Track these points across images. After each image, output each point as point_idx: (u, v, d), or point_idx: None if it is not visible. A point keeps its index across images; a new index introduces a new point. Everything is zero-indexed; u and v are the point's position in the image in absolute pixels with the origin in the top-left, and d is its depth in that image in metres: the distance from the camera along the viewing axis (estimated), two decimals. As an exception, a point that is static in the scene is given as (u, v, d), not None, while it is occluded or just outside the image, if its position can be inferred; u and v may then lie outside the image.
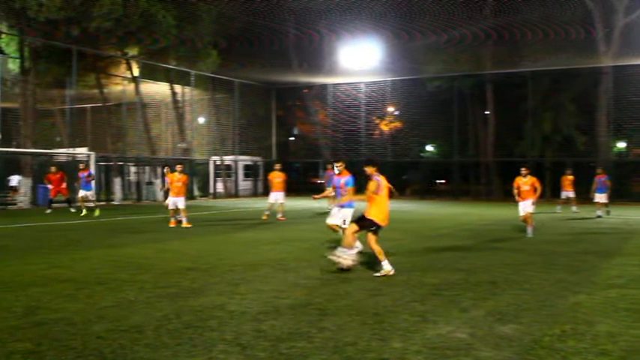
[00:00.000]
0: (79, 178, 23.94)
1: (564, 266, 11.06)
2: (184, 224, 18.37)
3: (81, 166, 24.60)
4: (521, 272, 10.29)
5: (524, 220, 16.63)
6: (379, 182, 10.08)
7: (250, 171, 43.26)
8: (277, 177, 21.57)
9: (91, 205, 23.19)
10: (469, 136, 42.67)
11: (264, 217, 21.11)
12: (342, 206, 12.52)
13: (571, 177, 26.72)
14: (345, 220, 12.44)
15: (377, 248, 10.05)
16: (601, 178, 23.82)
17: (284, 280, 9.45)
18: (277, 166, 22.25)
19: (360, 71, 40.60)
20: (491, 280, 9.48)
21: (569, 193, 26.65)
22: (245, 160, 42.42)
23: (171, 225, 18.46)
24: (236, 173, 41.68)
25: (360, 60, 40.65)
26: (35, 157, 31.03)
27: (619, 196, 34.00)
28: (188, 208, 19.66)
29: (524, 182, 16.47)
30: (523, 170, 16.69)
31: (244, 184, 42.34)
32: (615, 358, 5.68)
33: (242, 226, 19.65)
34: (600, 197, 23.65)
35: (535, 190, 16.46)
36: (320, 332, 6.40)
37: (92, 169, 28.28)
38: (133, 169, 37.46)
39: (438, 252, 13.16)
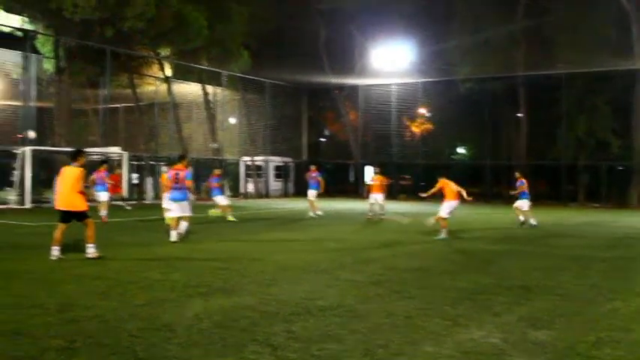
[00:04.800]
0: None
1: (598, 272, 10.89)
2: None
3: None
4: (555, 277, 10.15)
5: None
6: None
7: (281, 171, 43.37)
8: (376, 180, 22.26)
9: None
10: (501, 138, 42.23)
11: (368, 218, 21.93)
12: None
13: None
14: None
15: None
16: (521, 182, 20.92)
17: (315, 281, 9.44)
18: (377, 170, 23.24)
19: (391, 72, 40.48)
20: (523, 285, 9.35)
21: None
22: (276, 160, 42.53)
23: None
24: (267, 174, 41.82)
25: (391, 61, 40.53)
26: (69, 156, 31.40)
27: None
28: (215, 207, 19.96)
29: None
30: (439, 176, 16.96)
31: (275, 185, 42.48)
32: (653, 366, 5.57)
33: (273, 227, 19.75)
34: (522, 204, 20.88)
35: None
36: (351, 334, 6.37)
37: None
38: (164, 168, 37.71)
39: (468, 255, 13.06)
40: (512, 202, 21.36)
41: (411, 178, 42.70)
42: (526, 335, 6.46)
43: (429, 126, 44.56)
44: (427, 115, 44.52)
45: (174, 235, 14.07)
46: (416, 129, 44.65)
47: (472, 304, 8.00)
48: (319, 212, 23.29)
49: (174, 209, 14.42)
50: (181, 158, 15.38)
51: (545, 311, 7.60)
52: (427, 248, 14.19)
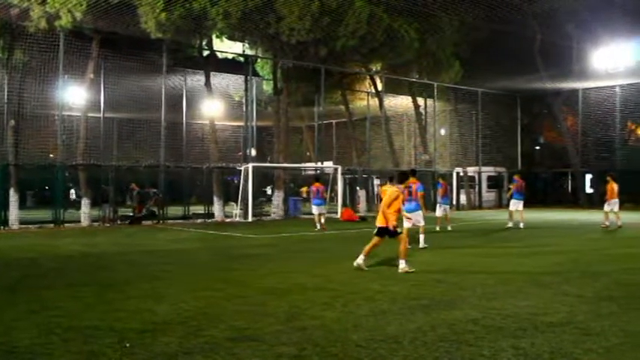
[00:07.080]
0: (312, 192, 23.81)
1: None
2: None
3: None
4: None
5: None
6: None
7: (494, 182, 42.24)
8: (611, 186, 22.55)
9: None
10: None
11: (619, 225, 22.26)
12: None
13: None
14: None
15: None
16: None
17: (539, 295, 9.01)
18: (610, 176, 23.20)
19: (614, 74, 37.71)
20: None
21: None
22: (488, 170, 41.49)
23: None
24: (479, 184, 40.96)
25: (614, 61, 37.79)
26: (287, 171, 33.05)
27: None
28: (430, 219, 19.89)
29: None
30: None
31: (488, 196, 41.46)
32: None
33: (486, 238, 19.37)
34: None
35: None
36: (585, 354, 5.97)
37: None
38: (376, 181, 38.44)
39: None
40: None
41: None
42: None
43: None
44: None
45: (421, 241, 15.87)
46: (642, 133, 41.29)
47: None
48: (511, 224, 22.65)
49: (409, 220, 15.08)
50: (413, 173, 16.04)
51: None
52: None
